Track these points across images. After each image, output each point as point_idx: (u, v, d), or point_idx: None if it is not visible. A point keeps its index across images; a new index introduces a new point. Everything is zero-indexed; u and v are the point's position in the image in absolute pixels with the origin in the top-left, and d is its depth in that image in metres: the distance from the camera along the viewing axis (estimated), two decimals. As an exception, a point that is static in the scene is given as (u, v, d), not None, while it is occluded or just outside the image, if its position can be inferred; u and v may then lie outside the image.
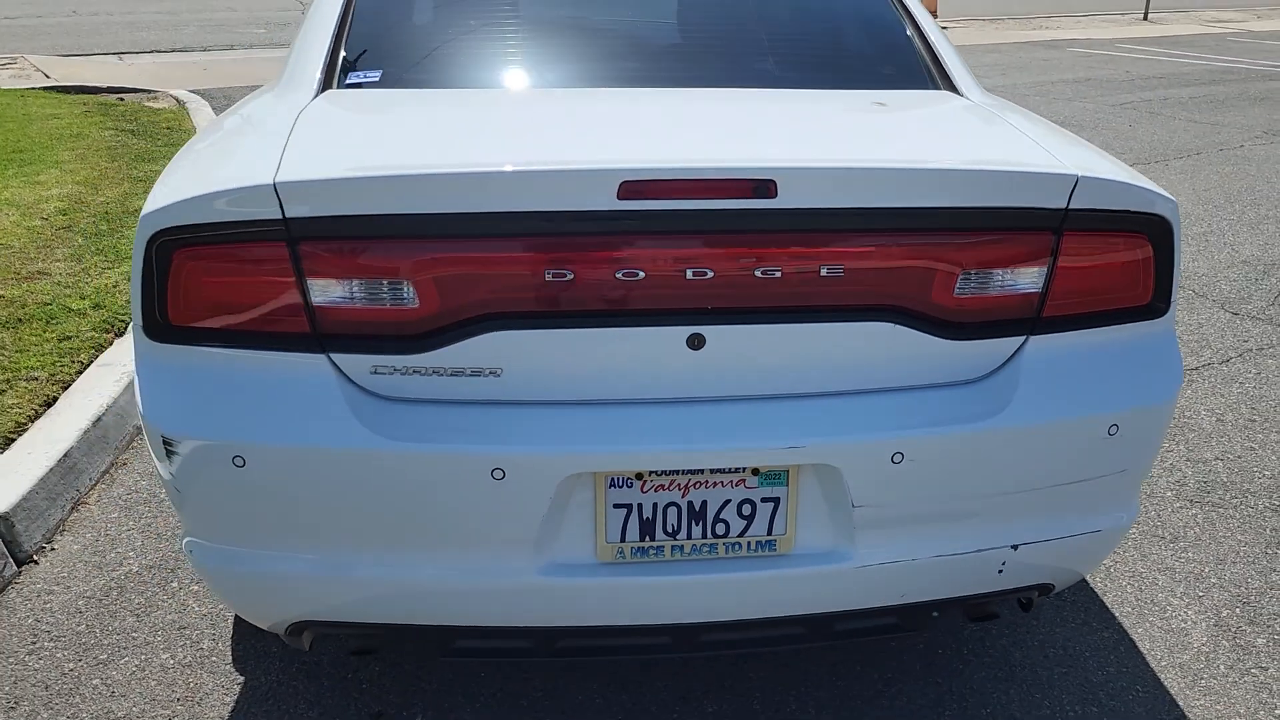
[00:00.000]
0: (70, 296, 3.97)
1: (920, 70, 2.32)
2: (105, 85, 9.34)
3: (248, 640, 2.36)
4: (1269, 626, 2.44)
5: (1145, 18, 19.06)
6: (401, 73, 2.18)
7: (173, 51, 12.65)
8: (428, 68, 2.20)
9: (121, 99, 8.77)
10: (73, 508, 2.87)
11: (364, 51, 2.23)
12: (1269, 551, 2.74)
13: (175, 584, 2.56)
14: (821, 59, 2.34)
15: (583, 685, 2.23)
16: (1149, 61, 12.89)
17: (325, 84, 2.12)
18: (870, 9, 2.49)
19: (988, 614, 1.96)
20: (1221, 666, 2.31)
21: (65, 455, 2.91)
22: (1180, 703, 2.20)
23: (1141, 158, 7.39)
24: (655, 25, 2.41)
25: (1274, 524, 2.86)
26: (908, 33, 2.43)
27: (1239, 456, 3.23)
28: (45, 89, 8.94)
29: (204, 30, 14.76)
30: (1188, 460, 3.21)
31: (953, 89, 2.26)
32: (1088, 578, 2.62)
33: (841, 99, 2.09)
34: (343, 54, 2.21)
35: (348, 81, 2.15)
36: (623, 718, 2.15)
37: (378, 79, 2.15)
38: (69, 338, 3.60)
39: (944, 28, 16.67)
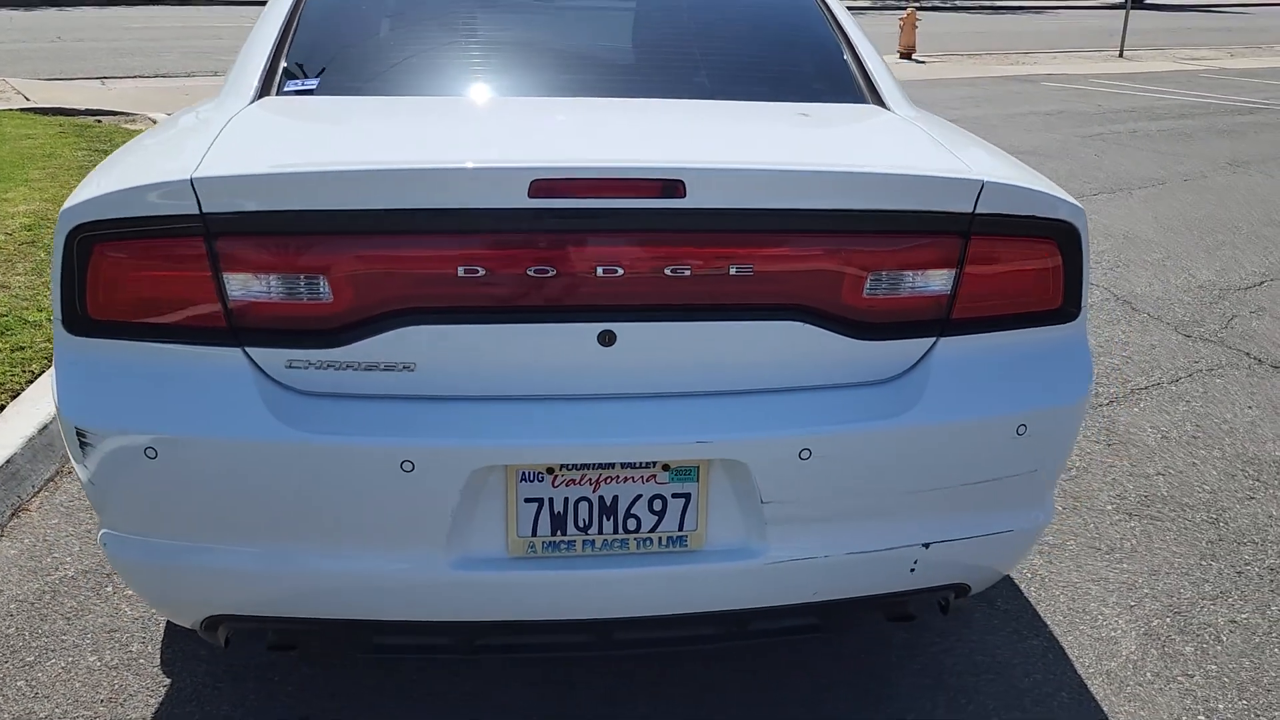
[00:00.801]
0: (28, 309, 3.97)
1: (850, 86, 2.37)
2: (83, 107, 9.38)
3: (178, 643, 2.35)
4: (1198, 635, 2.47)
5: (1121, 55, 19.39)
6: (339, 81, 2.22)
7: (155, 77, 12.72)
8: (365, 77, 2.24)
9: (99, 121, 8.81)
10: (13, 514, 2.86)
11: (304, 61, 2.27)
12: (1203, 563, 2.77)
13: (110, 589, 2.55)
14: (753, 74, 2.39)
15: (510, 688, 2.23)
16: (1121, 96, 13.10)
17: (263, 91, 2.16)
18: (805, 29, 2.55)
19: (905, 615, 1.98)
20: (1148, 674, 2.33)
21: (8, 461, 2.91)
22: (1105, 709, 2.22)
23: (1106, 187, 7.50)
24: (593, 41, 2.46)
25: (1209, 536, 2.89)
26: (841, 50, 2.48)
27: (1180, 471, 3.27)
28: (22, 110, 8.97)
29: (187, 56, 14.84)
30: (1130, 475, 3.25)
31: (880, 104, 2.31)
32: (1022, 589, 2.64)
33: (766, 110, 2.13)
34: (283, 64, 2.25)
35: (285, 89, 2.18)
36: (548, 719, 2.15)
37: (314, 87, 2.19)
38: (22, 348, 3.61)
39: (921, 62, 16.93)
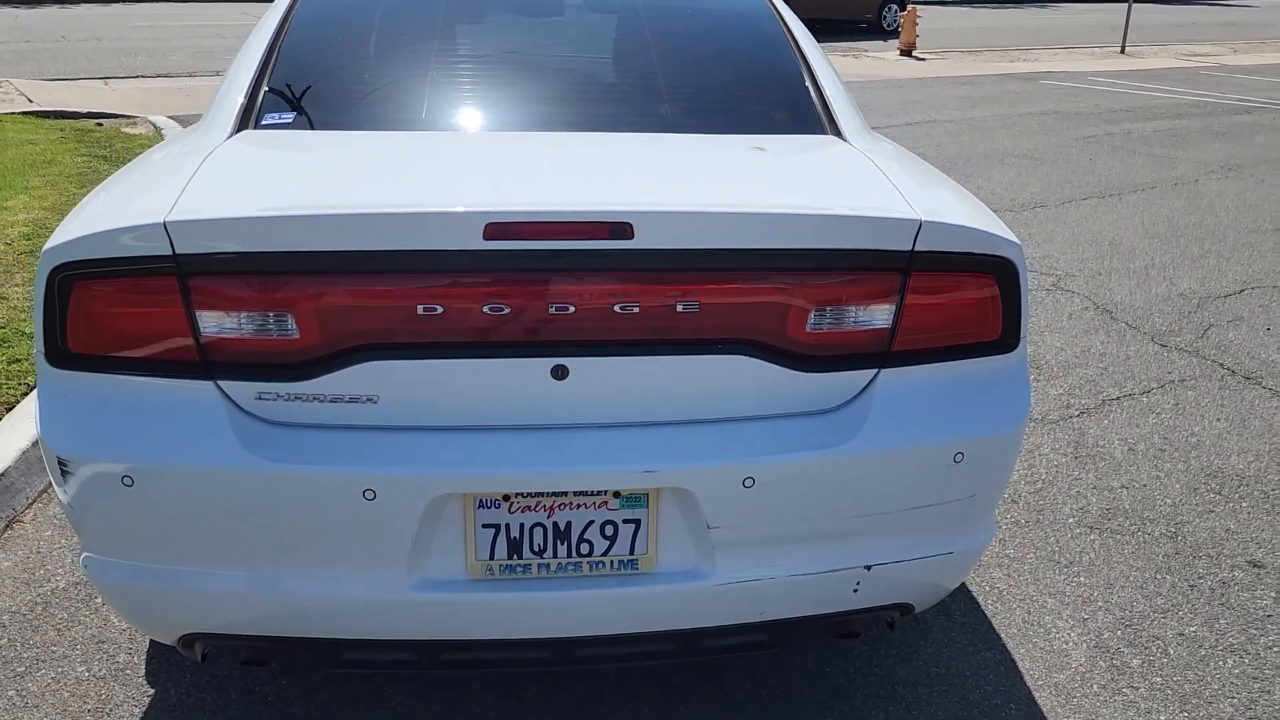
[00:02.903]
0: (25, 320, 4.07)
1: (808, 116, 2.45)
2: (85, 110, 9.48)
3: (163, 654, 2.45)
4: (1146, 648, 2.55)
5: (1122, 51, 19.39)
6: (315, 114, 2.30)
7: (158, 77, 12.81)
8: (340, 110, 2.32)
9: (100, 124, 8.91)
10: (7, 526, 2.96)
11: (282, 94, 2.35)
12: (1157, 576, 2.85)
13: (99, 600, 2.65)
14: (715, 105, 2.47)
15: (481, 698, 2.33)
16: (1119, 95, 13.13)
17: (241, 124, 2.25)
18: (768, 57, 2.63)
19: (851, 632, 2.06)
20: (1095, 686, 2.42)
21: (2, 474, 3.00)
22: (1050, 719, 2.31)
23: (1096, 192, 7.56)
24: (565, 73, 2.54)
25: (1166, 550, 2.97)
26: (803, 79, 2.56)
27: (1144, 485, 3.35)
28: (25, 113, 9.07)
29: (191, 56, 14.93)
30: (1094, 488, 3.33)
31: (838, 134, 2.39)
32: (980, 602, 2.73)
33: (721, 144, 2.21)
34: (263, 94, 2.34)
35: (263, 123, 2.27)
36: (515, 731, 2.25)
37: (291, 120, 2.27)
38: (18, 360, 3.70)
39: (921, 59, 16.96)
